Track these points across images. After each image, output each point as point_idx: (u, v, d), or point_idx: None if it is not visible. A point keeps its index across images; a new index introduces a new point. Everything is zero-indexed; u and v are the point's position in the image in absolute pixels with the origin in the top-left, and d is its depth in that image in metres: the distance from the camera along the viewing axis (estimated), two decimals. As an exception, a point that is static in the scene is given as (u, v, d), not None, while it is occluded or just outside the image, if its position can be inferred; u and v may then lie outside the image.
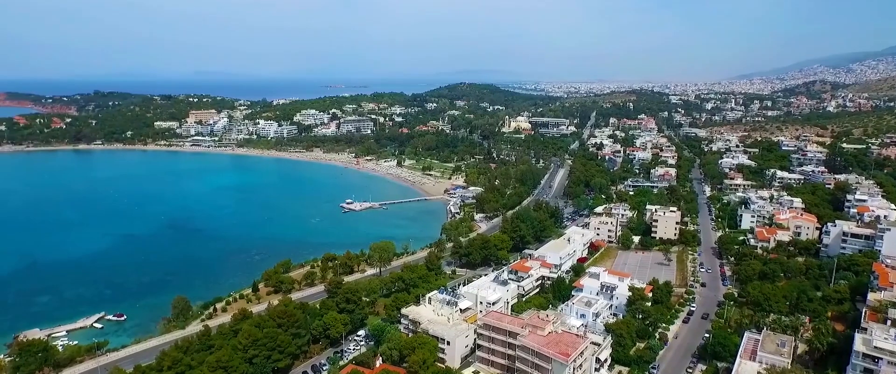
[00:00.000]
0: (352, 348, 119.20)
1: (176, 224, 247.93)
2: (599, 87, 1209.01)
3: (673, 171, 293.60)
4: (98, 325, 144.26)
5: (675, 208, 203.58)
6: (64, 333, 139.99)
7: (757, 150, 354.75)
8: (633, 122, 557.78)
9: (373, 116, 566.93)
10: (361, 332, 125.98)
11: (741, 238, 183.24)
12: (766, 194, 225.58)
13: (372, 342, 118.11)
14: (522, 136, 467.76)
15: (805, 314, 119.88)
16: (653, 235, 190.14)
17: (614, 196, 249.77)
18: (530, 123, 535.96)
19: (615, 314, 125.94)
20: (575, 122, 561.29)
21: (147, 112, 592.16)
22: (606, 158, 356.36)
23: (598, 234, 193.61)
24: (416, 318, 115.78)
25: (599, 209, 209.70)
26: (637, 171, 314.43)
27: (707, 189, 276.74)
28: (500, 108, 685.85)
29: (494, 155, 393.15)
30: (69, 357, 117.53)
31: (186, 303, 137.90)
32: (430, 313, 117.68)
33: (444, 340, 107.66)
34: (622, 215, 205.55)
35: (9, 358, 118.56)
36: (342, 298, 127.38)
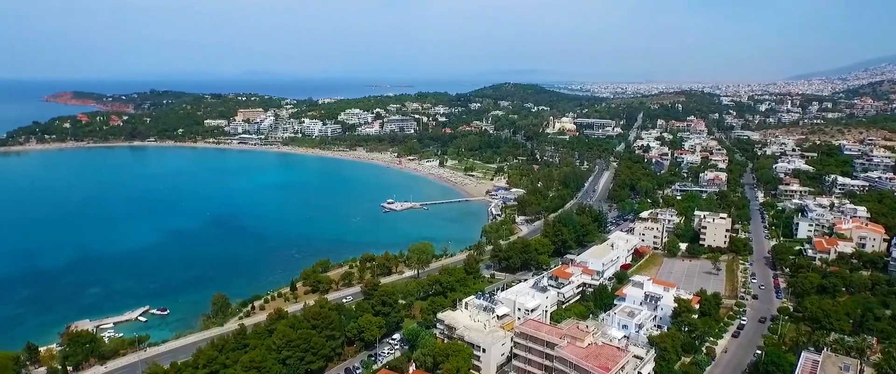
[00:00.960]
0: (386, 352, 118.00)
1: (221, 221, 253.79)
2: (647, 87, 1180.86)
3: (723, 175, 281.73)
4: (143, 318, 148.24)
5: (725, 215, 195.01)
6: (111, 325, 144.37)
7: (815, 154, 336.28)
8: (681, 123, 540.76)
9: (416, 116, 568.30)
10: (397, 335, 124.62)
11: (797, 248, 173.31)
12: (825, 201, 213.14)
13: (407, 347, 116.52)
14: (567, 137, 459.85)
15: (872, 335, 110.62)
16: (701, 242, 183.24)
17: (661, 201, 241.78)
18: (575, 124, 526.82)
19: (659, 326, 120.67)
20: (621, 123, 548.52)
21: (198, 111, 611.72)
22: (653, 160, 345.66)
23: (642, 240, 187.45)
24: (451, 323, 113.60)
25: (645, 214, 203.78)
26: (685, 175, 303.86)
27: (760, 195, 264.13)
28: (545, 108, 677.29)
29: (538, 156, 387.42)
30: (113, 350, 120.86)
31: (225, 300, 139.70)
32: (466, 318, 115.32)
33: (479, 347, 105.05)
34: (669, 221, 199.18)
35: (59, 347, 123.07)
36: (378, 300, 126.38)
